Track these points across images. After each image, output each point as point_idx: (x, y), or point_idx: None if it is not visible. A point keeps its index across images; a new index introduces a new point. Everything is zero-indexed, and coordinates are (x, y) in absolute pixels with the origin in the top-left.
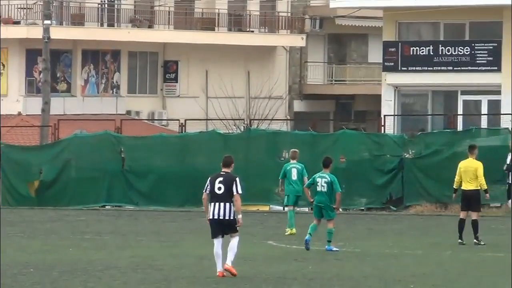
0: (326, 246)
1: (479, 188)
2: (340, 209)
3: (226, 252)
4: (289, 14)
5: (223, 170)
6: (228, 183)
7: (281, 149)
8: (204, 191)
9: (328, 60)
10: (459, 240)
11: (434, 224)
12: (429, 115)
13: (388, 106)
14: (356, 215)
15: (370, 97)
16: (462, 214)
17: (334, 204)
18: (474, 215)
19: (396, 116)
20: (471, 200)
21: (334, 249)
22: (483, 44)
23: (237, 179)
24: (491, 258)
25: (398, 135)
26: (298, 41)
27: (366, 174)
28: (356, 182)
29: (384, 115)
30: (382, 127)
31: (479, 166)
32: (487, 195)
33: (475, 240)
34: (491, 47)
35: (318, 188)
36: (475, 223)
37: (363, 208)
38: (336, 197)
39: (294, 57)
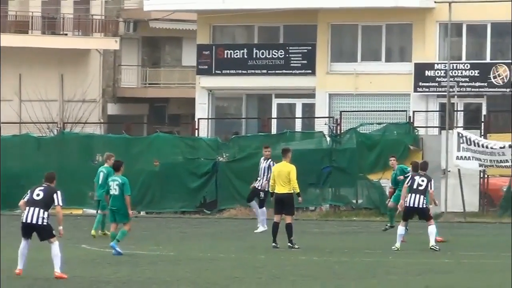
0: (112, 243)
1: (292, 191)
2: (131, 212)
3: (26, 254)
4: (103, 17)
5: (44, 183)
6: (49, 192)
7: (95, 152)
8: (22, 198)
9: (142, 63)
10: (273, 244)
11: (248, 227)
12: (243, 118)
13: (202, 110)
14: (170, 219)
15: (184, 100)
16: (276, 218)
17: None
18: (288, 219)
19: (210, 120)
20: (284, 204)
21: (118, 249)
22: (297, 48)
23: (59, 192)
24: (306, 262)
25: (212, 138)
26: (112, 44)
27: (180, 177)
28: (170, 186)
29: (198, 119)
30: (196, 131)
31: (292, 169)
32: (300, 198)
33: (289, 244)
34: (305, 51)
35: (111, 192)
36: (289, 227)
37: (177, 211)
38: (126, 200)
39: (108, 60)
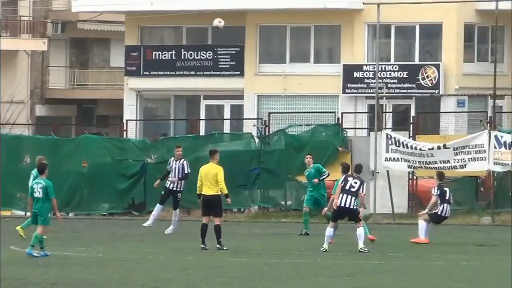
0: (28, 250)
1: (219, 193)
2: (59, 214)
3: None
4: (31, 18)
5: None
6: None
7: (23, 153)
8: None
9: (70, 65)
10: (202, 245)
11: (178, 229)
12: (171, 119)
13: (131, 111)
14: (98, 220)
15: (112, 101)
16: (204, 219)
17: (53, 210)
18: (216, 220)
19: (138, 121)
20: (212, 205)
21: (35, 254)
22: (225, 49)
23: None
24: (235, 263)
25: (140, 140)
26: (40, 45)
27: (108, 178)
28: (98, 187)
29: (127, 120)
30: (125, 132)
31: (219, 171)
32: (228, 199)
33: (218, 245)
34: (234, 52)
35: (35, 194)
36: (217, 228)
37: (105, 213)
38: (53, 203)
39: (36, 61)
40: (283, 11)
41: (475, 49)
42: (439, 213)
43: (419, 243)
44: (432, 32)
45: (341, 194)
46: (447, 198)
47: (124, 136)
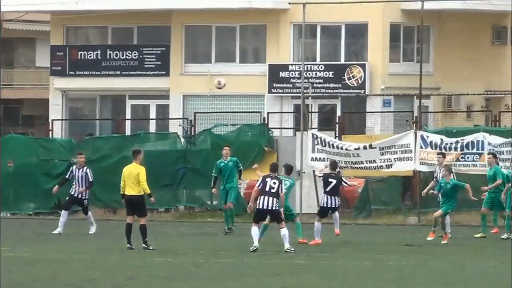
0: None
1: (142, 193)
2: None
3: None
4: None
5: None
6: None
7: None
8: None
9: None
10: (128, 245)
11: (103, 228)
12: (97, 119)
13: (56, 111)
14: (24, 220)
15: (38, 101)
16: (128, 219)
17: None
18: (141, 220)
19: (64, 121)
20: (135, 205)
21: None
22: (151, 49)
23: None
24: (161, 263)
25: (66, 139)
26: None
27: (34, 178)
28: (24, 187)
29: (52, 120)
30: (50, 132)
31: (141, 171)
32: (152, 198)
33: (143, 245)
34: (159, 52)
35: None
36: (142, 228)
37: (31, 213)
38: None
39: None
40: (209, 10)
41: (401, 49)
42: (321, 204)
43: (313, 244)
44: (357, 32)
45: (262, 196)
46: (328, 190)
47: (50, 136)
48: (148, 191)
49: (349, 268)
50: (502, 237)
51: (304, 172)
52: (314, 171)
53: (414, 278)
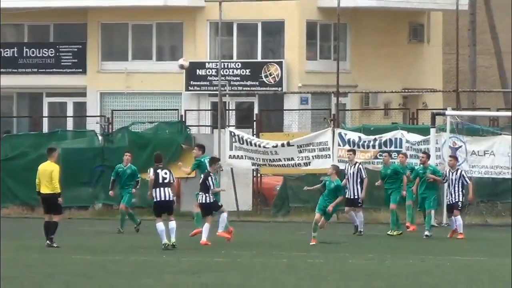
0: None
1: (55, 191)
2: None
3: None
4: None
5: None
6: None
7: None
8: None
9: None
10: (48, 242)
11: (22, 226)
12: (14, 117)
13: None
14: None
15: None
16: (46, 217)
17: None
18: (55, 218)
19: None
20: (49, 203)
21: None
22: (67, 46)
23: None
24: (79, 261)
25: None
26: None
27: None
28: None
29: None
30: None
31: (55, 168)
32: (60, 199)
33: (48, 242)
34: (76, 49)
35: None
36: (53, 225)
37: None
38: None
39: None
40: (125, 8)
41: (317, 47)
42: (200, 201)
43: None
44: (274, 30)
45: (156, 189)
46: (160, 182)
47: None
48: (59, 190)
49: (268, 265)
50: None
51: (222, 170)
52: (232, 169)
53: (333, 275)
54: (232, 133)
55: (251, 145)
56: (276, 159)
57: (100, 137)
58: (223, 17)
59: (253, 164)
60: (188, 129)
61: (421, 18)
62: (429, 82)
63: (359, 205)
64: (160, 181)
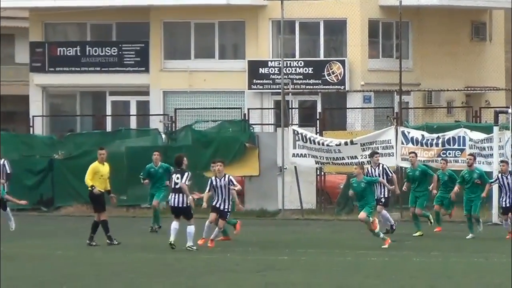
0: None
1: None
2: None
3: None
4: None
5: None
6: None
7: None
8: None
9: None
10: (107, 241)
11: (86, 225)
12: (78, 115)
13: (37, 107)
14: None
15: (18, 98)
16: (96, 217)
17: None
18: (102, 216)
19: (44, 117)
20: (97, 201)
21: None
22: (130, 45)
23: None
24: (143, 259)
25: (47, 136)
26: None
27: (16, 175)
28: None
29: (33, 116)
30: (31, 128)
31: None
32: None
33: (107, 241)
34: (139, 48)
35: None
36: (103, 223)
37: (13, 208)
38: None
39: None
40: (187, 7)
41: (380, 45)
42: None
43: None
44: (336, 28)
45: (171, 194)
46: (173, 187)
47: (31, 132)
48: (109, 188)
49: (333, 263)
50: (467, 237)
51: (285, 168)
52: (295, 167)
53: (398, 273)
54: (296, 132)
55: (314, 143)
56: (340, 157)
57: (163, 136)
58: (285, 15)
59: (317, 163)
60: (252, 128)
61: (483, 16)
62: (492, 80)
63: (381, 203)
64: (173, 185)
